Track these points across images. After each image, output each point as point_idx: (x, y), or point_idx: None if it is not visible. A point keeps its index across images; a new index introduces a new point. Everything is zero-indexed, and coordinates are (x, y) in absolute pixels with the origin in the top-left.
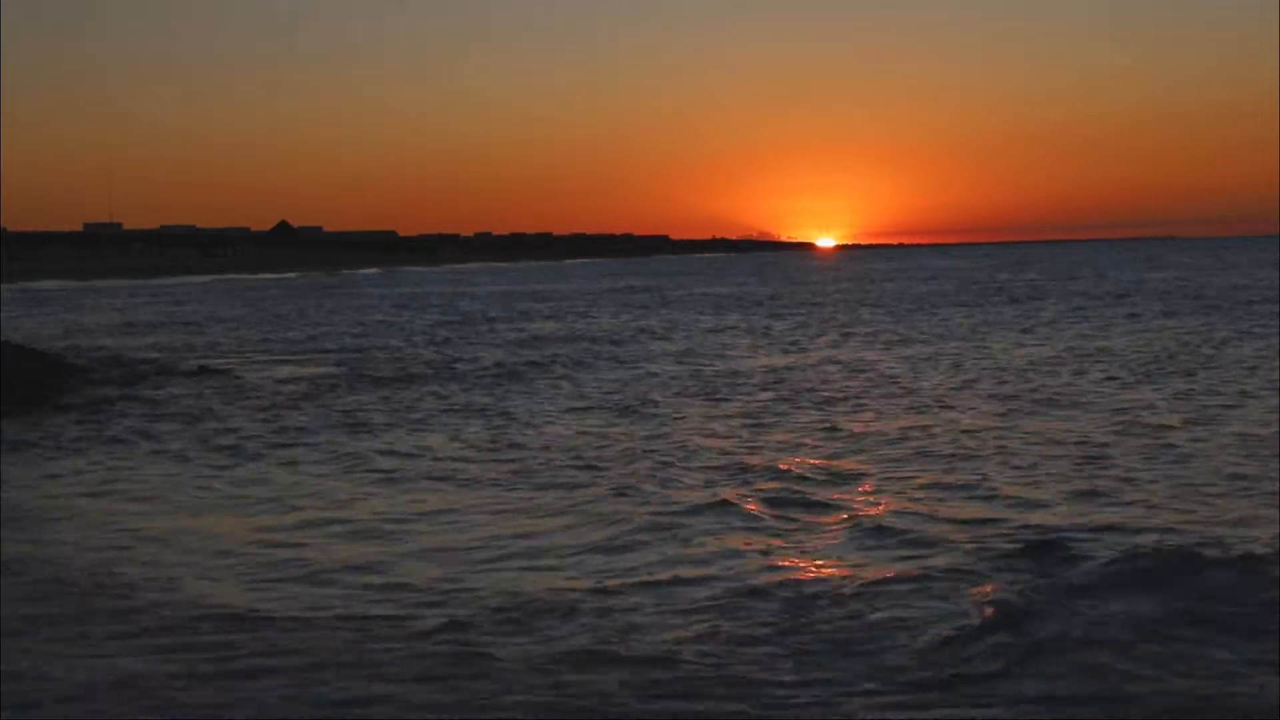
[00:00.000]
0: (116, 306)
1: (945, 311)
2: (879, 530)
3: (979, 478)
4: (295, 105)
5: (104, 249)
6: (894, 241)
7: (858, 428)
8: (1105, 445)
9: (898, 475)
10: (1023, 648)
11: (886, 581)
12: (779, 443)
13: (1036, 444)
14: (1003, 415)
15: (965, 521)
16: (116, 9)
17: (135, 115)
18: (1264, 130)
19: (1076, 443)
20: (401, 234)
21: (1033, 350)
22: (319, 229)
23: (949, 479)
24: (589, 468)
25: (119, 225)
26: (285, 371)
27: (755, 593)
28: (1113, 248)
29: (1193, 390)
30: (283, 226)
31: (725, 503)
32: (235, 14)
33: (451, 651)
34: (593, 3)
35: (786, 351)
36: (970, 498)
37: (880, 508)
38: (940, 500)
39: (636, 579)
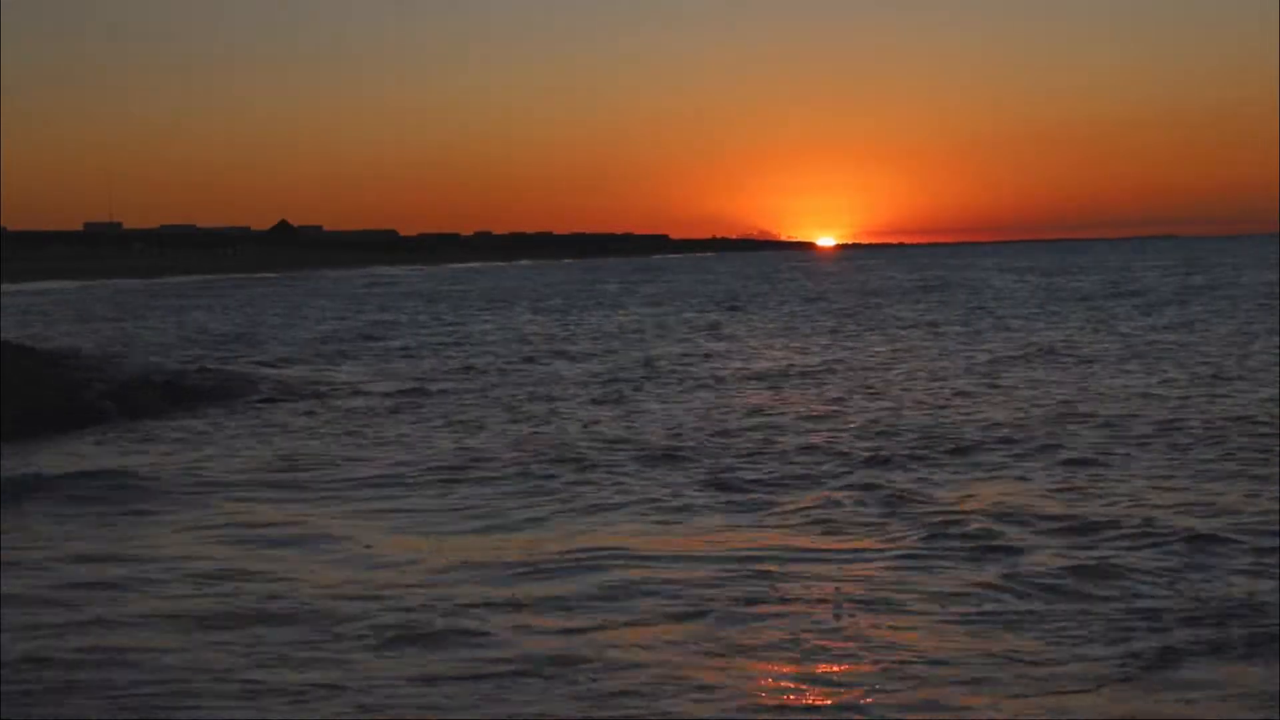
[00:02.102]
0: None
1: None
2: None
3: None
4: (295, 105)
5: (104, 249)
6: (894, 241)
7: None
8: None
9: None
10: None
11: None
12: None
13: None
14: None
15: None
16: (116, 9)
17: (135, 115)
18: (1264, 130)
19: None
20: (401, 234)
21: None
22: (319, 228)
23: None
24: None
25: (119, 225)
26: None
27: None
28: (1111, 246)
29: None
30: (283, 226)
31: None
32: (235, 14)
33: None
34: (593, 3)
35: None
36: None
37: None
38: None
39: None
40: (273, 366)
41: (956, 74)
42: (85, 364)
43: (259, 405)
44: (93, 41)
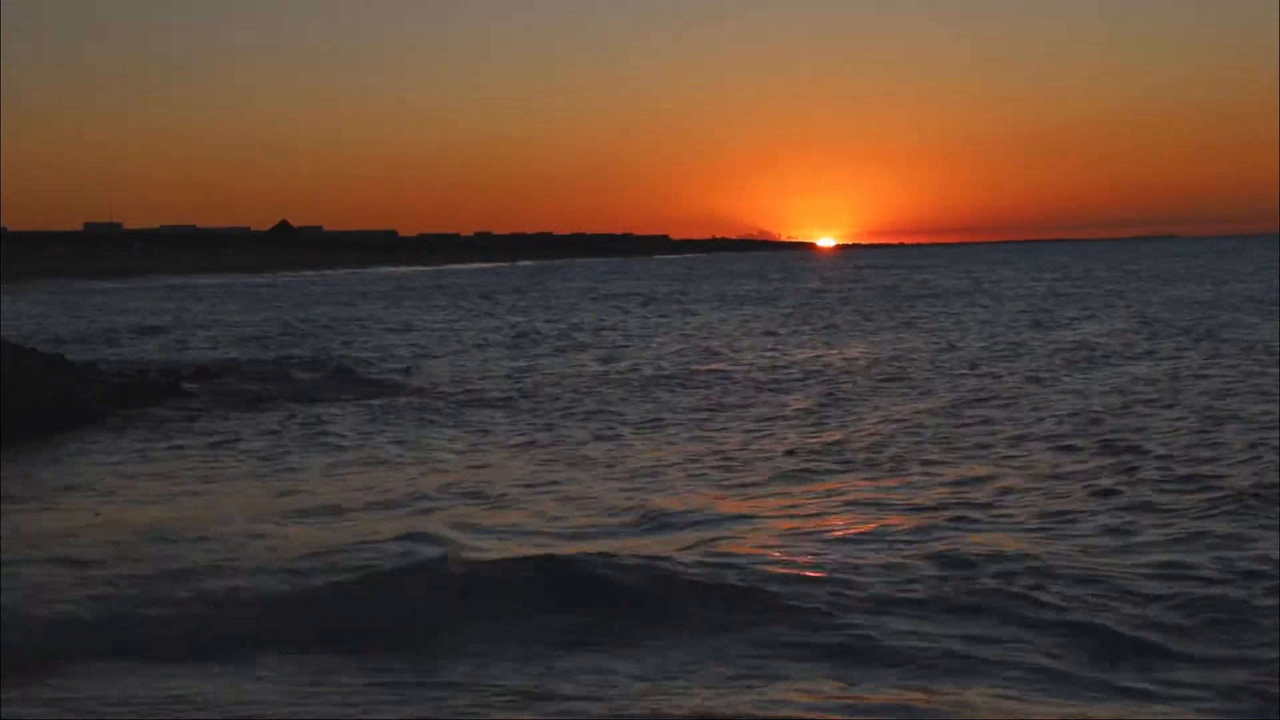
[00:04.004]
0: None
1: None
2: None
3: None
4: (295, 105)
5: (104, 249)
6: (894, 241)
7: None
8: None
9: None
10: None
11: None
12: None
13: None
14: None
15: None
16: (116, 9)
17: (135, 115)
18: (1264, 130)
19: None
20: (401, 234)
21: None
22: (319, 229)
23: None
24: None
25: (119, 225)
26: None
27: None
28: (1107, 246)
29: None
30: (283, 226)
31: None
32: (235, 13)
33: None
34: (593, 3)
35: None
36: None
37: None
38: None
39: None
40: (276, 368)
41: (955, 74)
42: (84, 365)
43: (260, 407)
44: (93, 41)
